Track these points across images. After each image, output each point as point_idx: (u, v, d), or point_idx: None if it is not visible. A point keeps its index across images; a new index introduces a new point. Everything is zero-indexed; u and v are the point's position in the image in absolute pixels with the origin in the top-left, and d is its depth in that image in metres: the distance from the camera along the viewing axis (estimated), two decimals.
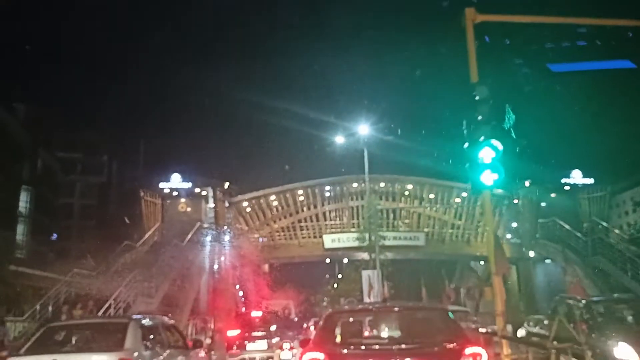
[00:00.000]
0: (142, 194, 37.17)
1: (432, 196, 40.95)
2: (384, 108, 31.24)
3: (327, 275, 59.26)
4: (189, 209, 37.93)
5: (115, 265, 28.30)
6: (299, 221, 39.78)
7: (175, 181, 36.60)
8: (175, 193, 37.54)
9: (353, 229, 38.75)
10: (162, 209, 37.46)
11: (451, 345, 6.35)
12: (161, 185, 36.52)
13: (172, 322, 11.28)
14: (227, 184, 37.20)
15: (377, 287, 31.08)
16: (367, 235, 33.83)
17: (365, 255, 34.70)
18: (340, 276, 54.72)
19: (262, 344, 18.79)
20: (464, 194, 40.66)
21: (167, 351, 9.50)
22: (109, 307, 20.12)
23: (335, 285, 55.98)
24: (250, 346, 18.78)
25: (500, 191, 40.05)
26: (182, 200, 37.92)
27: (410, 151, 34.57)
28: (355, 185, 39.89)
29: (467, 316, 21.07)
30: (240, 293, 44.22)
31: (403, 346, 6.43)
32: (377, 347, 6.73)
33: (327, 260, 50.61)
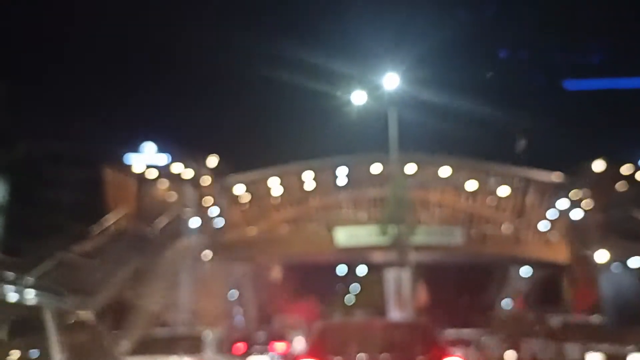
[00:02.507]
0: (109, 175, 29.34)
1: (472, 183, 33.17)
2: (418, 56, 23.36)
3: (341, 284, 51.53)
4: (170, 192, 30.46)
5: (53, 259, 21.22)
6: (306, 211, 32.23)
7: (150, 152, 28.61)
8: (155, 174, 30.05)
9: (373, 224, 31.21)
10: (139, 191, 29.93)
11: (431, 355, 7.38)
12: (133, 157, 28.66)
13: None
14: (215, 160, 29.40)
15: (407, 293, 23.58)
16: (390, 229, 26.04)
17: (386, 256, 27.17)
18: (358, 286, 47.15)
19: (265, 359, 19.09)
20: (513, 178, 32.87)
21: (226, 355, 12.98)
22: None
23: (352, 297, 48.42)
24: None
25: (554, 178, 32.72)
26: (163, 182, 30.40)
27: (448, 118, 26.51)
28: (376, 167, 32.17)
29: None
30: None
31: (388, 355, 7.39)
32: (364, 355, 7.37)
33: (343, 270, 43.09)
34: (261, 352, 19.55)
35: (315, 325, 8.76)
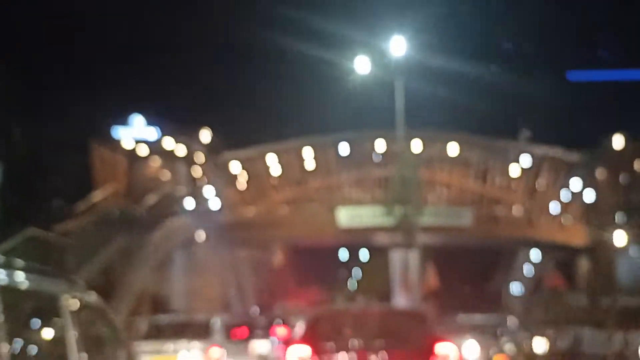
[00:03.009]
0: (96, 149, 27.44)
1: (482, 162, 31.47)
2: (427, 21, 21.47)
3: (343, 268, 50.11)
4: (162, 170, 28.84)
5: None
6: (306, 191, 30.58)
7: (138, 126, 26.82)
8: (145, 150, 28.38)
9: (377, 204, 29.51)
10: (129, 168, 28.28)
11: (423, 341, 7.51)
12: (121, 131, 26.91)
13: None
14: (208, 134, 27.63)
15: (414, 277, 22.01)
16: (396, 209, 24.32)
17: (391, 237, 25.54)
18: (362, 270, 45.64)
19: (266, 345, 18.53)
20: (525, 157, 31.05)
21: (229, 340, 13.23)
22: None
23: (354, 282, 46.98)
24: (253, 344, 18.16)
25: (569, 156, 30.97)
26: (154, 158, 28.76)
27: (458, 89, 24.63)
28: (381, 144, 30.41)
29: None
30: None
31: (380, 341, 7.50)
32: (357, 342, 7.57)
33: (346, 253, 41.59)
34: (262, 337, 19.34)
35: (310, 313, 9.15)
